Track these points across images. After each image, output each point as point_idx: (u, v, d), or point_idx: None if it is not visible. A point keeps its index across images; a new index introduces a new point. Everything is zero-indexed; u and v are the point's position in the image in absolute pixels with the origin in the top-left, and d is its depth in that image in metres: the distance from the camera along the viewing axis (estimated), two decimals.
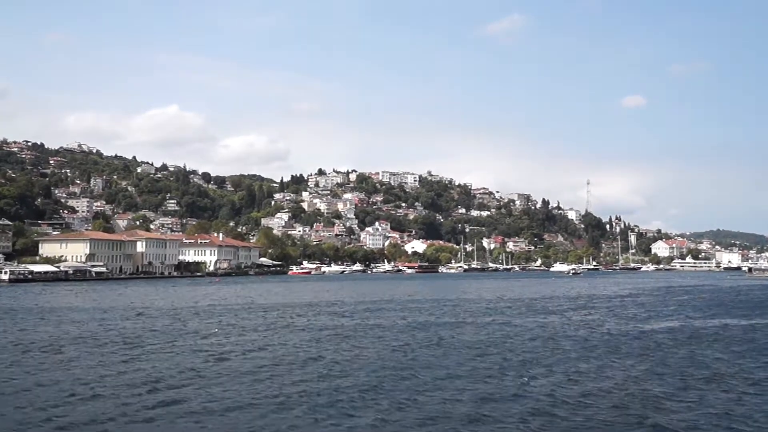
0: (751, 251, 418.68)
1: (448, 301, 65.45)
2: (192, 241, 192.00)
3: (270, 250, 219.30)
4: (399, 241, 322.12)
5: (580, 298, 72.33)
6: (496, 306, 58.54)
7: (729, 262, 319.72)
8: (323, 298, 72.22)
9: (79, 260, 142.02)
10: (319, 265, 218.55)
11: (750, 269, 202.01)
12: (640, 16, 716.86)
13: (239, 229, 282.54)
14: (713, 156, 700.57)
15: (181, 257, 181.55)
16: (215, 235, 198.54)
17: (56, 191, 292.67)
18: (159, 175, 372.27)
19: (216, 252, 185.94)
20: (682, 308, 54.16)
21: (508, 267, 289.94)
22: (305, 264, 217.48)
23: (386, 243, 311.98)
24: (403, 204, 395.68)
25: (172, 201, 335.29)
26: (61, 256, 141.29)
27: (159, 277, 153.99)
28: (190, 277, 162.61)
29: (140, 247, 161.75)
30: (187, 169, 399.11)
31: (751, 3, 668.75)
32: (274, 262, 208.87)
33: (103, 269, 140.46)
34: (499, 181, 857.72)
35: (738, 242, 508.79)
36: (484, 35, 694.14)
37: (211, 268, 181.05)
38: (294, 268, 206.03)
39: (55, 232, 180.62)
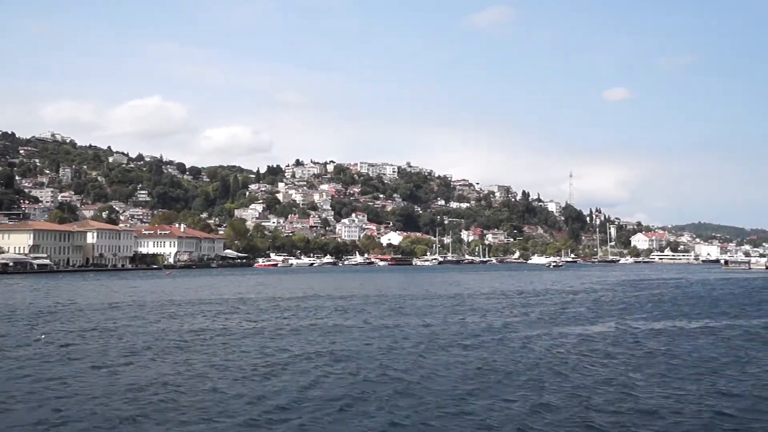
0: (730, 244, 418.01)
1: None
2: (151, 232, 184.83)
3: (236, 242, 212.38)
4: (375, 233, 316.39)
5: (525, 293, 66.25)
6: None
7: (708, 254, 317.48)
8: (262, 293, 65.49)
9: (22, 252, 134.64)
10: (287, 258, 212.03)
11: (726, 262, 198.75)
12: (625, 9, 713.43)
13: (211, 221, 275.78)
14: (697, 149, 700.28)
15: (139, 249, 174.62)
16: (176, 226, 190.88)
17: (23, 181, 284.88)
18: (131, 166, 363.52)
19: (176, 243, 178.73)
20: (629, 307, 47.89)
21: (485, 259, 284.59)
22: (273, 256, 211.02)
23: (362, 235, 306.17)
24: (382, 195, 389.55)
25: (144, 192, 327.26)
26: (1, 247, 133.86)
27: (110, 270, 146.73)
28: (145, 269, 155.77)
29: (91, 238, 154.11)
30: (165, 160, 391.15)
31: None
32: (240, 255, 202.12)
33: (47, 261, 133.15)
34: (482, 174, 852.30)
35: (718, 235, 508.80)
36: (468, 26, 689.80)
37: (171, 261, 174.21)
38: (260, 261, 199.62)
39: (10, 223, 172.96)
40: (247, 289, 75.09)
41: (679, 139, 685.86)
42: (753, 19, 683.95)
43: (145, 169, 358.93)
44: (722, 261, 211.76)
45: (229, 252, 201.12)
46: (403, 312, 43.90)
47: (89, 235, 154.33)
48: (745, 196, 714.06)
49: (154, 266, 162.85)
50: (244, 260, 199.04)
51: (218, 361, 23.46)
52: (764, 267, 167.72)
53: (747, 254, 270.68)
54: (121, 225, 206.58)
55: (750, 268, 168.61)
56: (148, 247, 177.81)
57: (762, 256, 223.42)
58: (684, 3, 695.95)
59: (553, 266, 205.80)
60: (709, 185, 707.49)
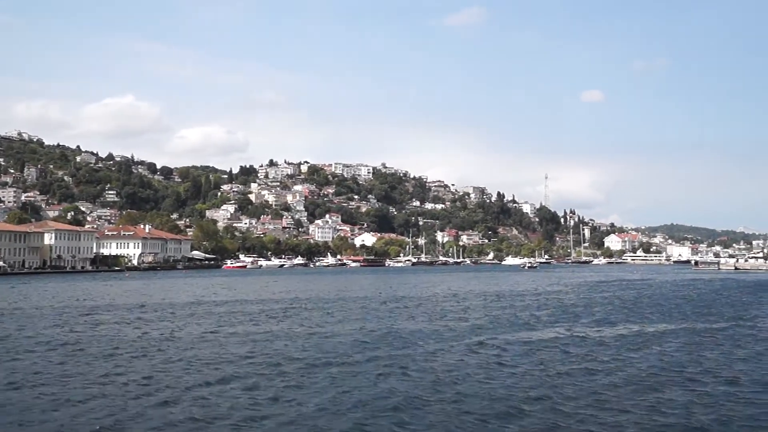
0: (701, 245, 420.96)
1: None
2: (114, 233, 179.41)
3: (205, 243, 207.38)
4: (349, 234, 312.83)
5: (486, 294, 63.20)
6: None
7: (679, 255, 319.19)
8: (218, 297, 61.57)
9: None
10: (257, 259, 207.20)
11: (696, 263, 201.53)
12: (599, 12, 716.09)
13: (181, 222, 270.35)
14: (671, 151, 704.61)
15: (102, 250, 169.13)
16: (141, 226, 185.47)
17: None
18: (99, 165, 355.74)
19: (140, 245, 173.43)
20: (584, 311, 44.89)
21: (458, 260, 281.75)
22: (242, 257, 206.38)
23: (336, 236, 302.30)
24: (356, 196, 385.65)
25: (112, 192, 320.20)
26: None
27: (69, 272, 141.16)
28: (106, 271, 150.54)
29: (48, 239, 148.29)
30: (136, 160, 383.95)
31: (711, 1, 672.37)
32: (207, 256, 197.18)
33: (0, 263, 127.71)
34: (458, 175, 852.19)
35: (690, 236, 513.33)
36: (443, 27, 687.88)
37: (135, 262, 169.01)
38: (228, 262, 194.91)
39: None
40: (198, 292, 70.97)
41: (653, 142, 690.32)
42: (724, 24, 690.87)
43: (114, 169, 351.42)
44: (693, 262, 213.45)
45: (196, 253, 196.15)
46: (333, 317, 40.37)
47: (47, 236, 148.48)
48: (717, 198, 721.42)
49: (116, 268, 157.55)
50: (212, 262, 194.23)
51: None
52: (733, 268, 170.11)
53: (717, 255, 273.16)
54: (87, 226, 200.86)
55: (719, 269, 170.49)
56: (110, 249, 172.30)
57: (731, 257, 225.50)
58: (657, 7, 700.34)
59: (528, 267, 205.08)
60: (682, 187, 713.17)
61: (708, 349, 26.02)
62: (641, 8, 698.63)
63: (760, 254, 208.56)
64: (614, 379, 20.08)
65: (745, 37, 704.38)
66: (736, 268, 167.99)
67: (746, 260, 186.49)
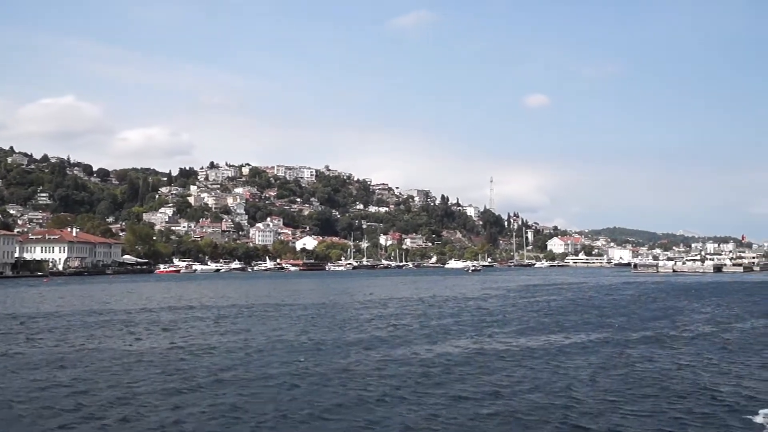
0: (642, 248, 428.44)
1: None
2: (39, 236, 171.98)
3: (138, 247, 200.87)
4: (291, 238, 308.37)
5: (407, 300, 60.69)
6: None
7: (620, 258, 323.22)
8: (120, 306, 57.45)
9: None
10: (190, 263, 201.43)
11: (635, 265, 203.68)
12: (545, 16, 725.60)
13: (117, 225, 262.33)
14: (614, 156, 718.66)
15: (25, 255, 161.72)
16: (68, 230, 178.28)
17: None
18: (32, 167, 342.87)
19: (66, 249, 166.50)
20: (504, 318, 42.70)
21: (401, 264, 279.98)
22: (176, 262, 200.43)
23: (277, 240, 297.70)
24: (299, 199, 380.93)
25: (44, 194, 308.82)
26: None
27: None
28: (28, 277, 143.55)
29: None
30: (73, 162, 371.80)
31: (660, 7, 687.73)
32: (140, 260, 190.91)
33: None
34: (405, 179, 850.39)
35: (632, 239, 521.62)
36: (390, 30, 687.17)
37: (61, 267, 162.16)
38: (161, 267, 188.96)
39: None
40: (104, 300, 66.65)
41: (597, 146, 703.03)
42: (672, 31, 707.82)
43: (47, 170, 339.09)
44: (632, 265, 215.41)
45: (127, 258, 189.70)
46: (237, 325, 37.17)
47: None
48: (658, 202, 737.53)
49: (39, 273, 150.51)
50: (144, 266, 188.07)
51: None
52: (671, 270, 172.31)
53: (656, 258, 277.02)
54: (17, 230, 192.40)
55: (657, 271, 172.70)
56: (35, 253, 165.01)
57: (670, 259, 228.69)
58: (605, 13, 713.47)
59: (472, 270, 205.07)
60: (625, 191, 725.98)
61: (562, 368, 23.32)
62: (588, 14, 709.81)
63: (698, 257, 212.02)
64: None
65: (689, 45, 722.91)
66: (674, 271, 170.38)
67: (684, 263, 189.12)
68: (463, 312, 47.42)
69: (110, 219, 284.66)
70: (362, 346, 28.30)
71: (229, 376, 21.55)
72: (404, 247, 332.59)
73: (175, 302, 59.45)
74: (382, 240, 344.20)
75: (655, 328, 35.83)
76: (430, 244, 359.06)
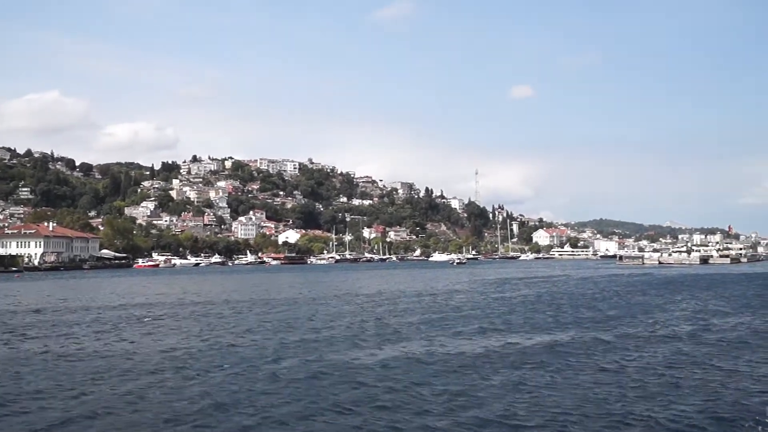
0: (628, 240, 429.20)
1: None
2: (15, 231, 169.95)
3: (116, 241, 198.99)
4: (273, 231, 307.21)
5: (380, 294, 59.80)
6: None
7: (606, 250, 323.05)
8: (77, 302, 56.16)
9: None
10: (170, 258, 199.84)
11: (621, 257, 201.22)
12: (529, 6, 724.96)
13: (99, 219, 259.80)
14: (600, 147, 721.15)
15: (0, 250, 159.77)
16: (45, 224, 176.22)
17: None
18: (14, 162, 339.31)
19: (42, 243, 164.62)
20: (472, 314, 41.22)
21: (384, 257, 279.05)
22: (155, 256, 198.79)
23: (260, 233, 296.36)
24: (282, 192, 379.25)
25: (26, 189, 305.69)
26: None
27: None
28: (2, 272, 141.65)
29: None
30: (56, 157, 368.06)
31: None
32: (118, 255, 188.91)
33: None
34: (390, 172, 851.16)
35: (619, 231, 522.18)
36: (373, 21, 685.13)
37: (37, 262, 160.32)
38: (140, 261, 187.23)
39: None
40: (60, 296, 65.35)
41: (583, 137, 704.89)
42: (652, 23, 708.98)
43: (28, 165, 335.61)
44: (617, 257, 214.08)
45: (105, 252, 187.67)
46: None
47: None
48: (645, 193, 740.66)
49: (13, 268, 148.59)
50: (123, 261, 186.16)
51: None
52: (657, 262, 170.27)
53: (641, 250, 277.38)
54: None
55: (643, 264, 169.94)
56: (10, 248, 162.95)
57: (656, 251, 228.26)
58: (587, 4, 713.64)
59: (457, 263, 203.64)
60: (612, 183, 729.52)
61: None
62: (570, 4, 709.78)
63: (684, 248, 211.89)
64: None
65: (673, 35, 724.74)
66: (659, 263, 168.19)
67: (670, 254, 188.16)
68: (427, 309, 45.81)
69: (92, 213, 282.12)
70: (300, 349, 26.79)
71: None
72: (388, 240, 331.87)
73: (129, 300, 57.70)
74: (366, 233, 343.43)
75: (620, 327, 34.27)
76: (414, 237, 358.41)
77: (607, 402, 17.07)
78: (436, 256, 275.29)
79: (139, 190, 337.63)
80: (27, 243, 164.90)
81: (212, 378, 20.65)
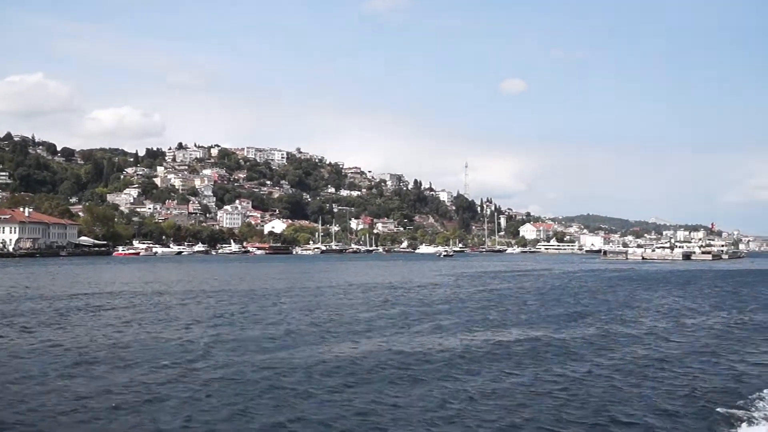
0: (614, 235, 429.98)
1: None
2: None
3: (96, 228, 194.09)
4: (259, 221, 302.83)
5: (353, 286, 56.11)
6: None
7: (591, 245, 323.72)
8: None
9: None
10: (151, 246, 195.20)
11: (605, 252, 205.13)
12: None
13: (80, 206, 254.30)
14: (589, 143, 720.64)
15: None
16: (20, 210, 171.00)
17: None
18: None
19: (17, 229, 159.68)
20: (442, 309, 38.00)
21: (371, 249, 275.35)
22: (136, 244, 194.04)
23: (245, 222, 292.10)
24: (269, 182, 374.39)
25: (4, 173, 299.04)
26: None
27: None
28: None
29: None
30: (38, 141, 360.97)
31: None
32: (97, 242, 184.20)
33: None
34: (380, 163, 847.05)
35: (605, 226, 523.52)
36: (366, 11, 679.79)
37: (11, 248, 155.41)
38: (120, 249, 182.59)
39: None
40: (24, 284, 61.16)
41: (572, 132, 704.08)
42: (643, 19, 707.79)
43: (8, 149, 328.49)
44: (601, 251, 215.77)
45: (84, 239, 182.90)
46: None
47: None
48: (632, 189, 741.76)
49: None
50: (102, 248, 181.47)
51: None
52: (640, 258, 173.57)
53: (626, 245, 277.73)
54: None
55: (627, 259, 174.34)
56: None
57: (639, 246, 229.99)
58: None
59: (444, 255, 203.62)
60: (600, 178, 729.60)
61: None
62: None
63: (667, 244, 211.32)
64: None
65: (662, 32, 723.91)
66: (643, 258, 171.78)
67: (653, 250, 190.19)
68: (401, 303, 42.38)
69: (73, 200, 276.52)
70: (227, 346, 23.43)
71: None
72: (375, 231, 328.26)
73: (93, 289, 53.74)
74: (353, 224, 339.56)
75: (579, 327, 31.29)
76: (402, 228, 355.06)
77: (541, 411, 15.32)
78: (423, 249, 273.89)
79: (122, 177, 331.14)
80: (2, 228, 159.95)
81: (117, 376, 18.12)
